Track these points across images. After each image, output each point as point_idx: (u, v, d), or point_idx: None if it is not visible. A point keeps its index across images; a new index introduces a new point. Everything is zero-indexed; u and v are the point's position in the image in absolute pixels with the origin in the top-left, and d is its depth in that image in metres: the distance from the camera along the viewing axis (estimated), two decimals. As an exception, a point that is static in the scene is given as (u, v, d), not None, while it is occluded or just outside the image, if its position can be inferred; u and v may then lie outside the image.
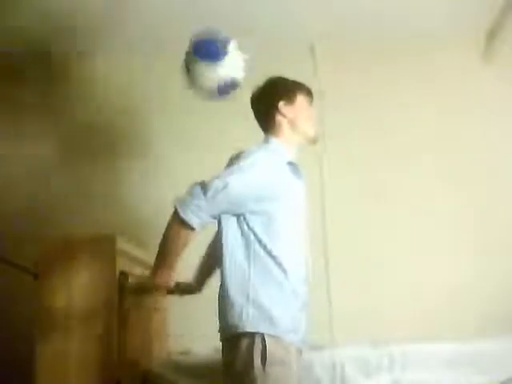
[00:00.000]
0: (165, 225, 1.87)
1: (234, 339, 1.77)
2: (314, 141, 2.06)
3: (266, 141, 1.99)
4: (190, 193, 1.81)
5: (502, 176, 3.32)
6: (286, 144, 1.97)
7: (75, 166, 3.45)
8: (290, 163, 1.94)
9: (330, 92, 3.42)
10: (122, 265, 2.41)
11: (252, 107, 2.09)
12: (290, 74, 3.36)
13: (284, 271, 1.82)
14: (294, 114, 1.99)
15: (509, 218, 3.26)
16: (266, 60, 3.35)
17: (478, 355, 2.32)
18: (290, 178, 1.92)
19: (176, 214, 1.81)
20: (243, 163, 1.85)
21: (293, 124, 1.98)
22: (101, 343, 2.27)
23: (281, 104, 1.99)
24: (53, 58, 3.46)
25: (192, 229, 1.80)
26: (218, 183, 1.79)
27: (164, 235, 1.85)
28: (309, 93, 2.08)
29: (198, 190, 1.80)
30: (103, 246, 2.38)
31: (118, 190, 3.40)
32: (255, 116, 2.08)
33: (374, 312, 3.06)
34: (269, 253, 1.82)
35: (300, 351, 1.87)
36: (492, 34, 3.37)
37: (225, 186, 1.79)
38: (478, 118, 3.38)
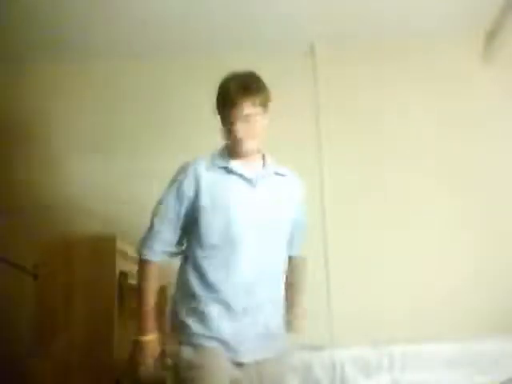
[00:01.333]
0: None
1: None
2: (241, 153, 1.93)
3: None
4: (148, 227, 1.89)
5: (502, 176, 3.32)
6: (229, 151, 1.95)
7: (75, 166, 3.46)
8: (227, 168, 1.91)
9: (329, 92, 3.43)
10: (122, 265, 2.41)
11: None
12: (291, 74, 3.39)
13: (207, 284, 1.83)
14: (224, 123, 1.93)
15: (509, 218, 3.26)
16: (267, 60, 3.36)
17: (478, 355, 2.31)
18: (221, 184, 1.90)
19: (138, 252, 1.89)
20: (171, 178, 1.92)
21: (227, 133, 1.93)
22: (101, 343, 2.27)
23: (217, 112, 1.96)
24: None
25: (151, 261, 1.87)
26: (155, 207, 1.89)
27: (139, 285, 1.90)
28: (233, 98, 1.90)
29: (150, 220, 1.89)
30: (103, 246, 2.38)
31: (118, 190, 3.40)
32: None
33: (374, 312, 3.06)
34: (193, 266, 1.85)
35: (231, 358, 1.82)
36: (492, 34, 3.37)
37: (159, 207, 1.88)
38: (477, 118, 3.37)
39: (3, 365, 2.73)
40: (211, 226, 1.85)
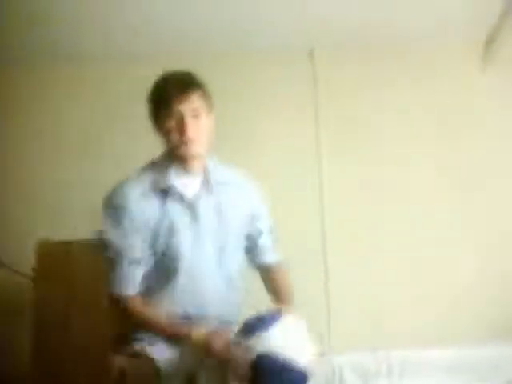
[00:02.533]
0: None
1: None
2: (189, 154, 1.76)
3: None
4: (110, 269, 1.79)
5: (503, 178, 3.31)
6: (167, 162, 1.80)
7: (73, 168, 3.46)
8: (170, 188, 1.76)
9: (328, 97, 3.43)
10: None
11: None
12: (290, 79, 3.39)
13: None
14: (163, 126, 1.76)
15: (510, 223, 3.25)
16: (266, 65, 3.37)
17: (477, 361, 2.30)
18: (163, 209, 1.75)
19: (115, 298, 1.80)
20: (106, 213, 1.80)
21: (167, 140, 1.77)
22: (98, 349, 2.26)
23: (153, 116, 1.80)
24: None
25: (132, 298, 1.77)
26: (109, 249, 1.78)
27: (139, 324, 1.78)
28: (165, 102, 1.73)
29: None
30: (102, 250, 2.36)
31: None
32: None
33: (373, 318, 3.05)
34: None
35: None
36: (491, 38, 3.37)
37: (111, 245, 1.78)
38: (477, 120, 3.37)
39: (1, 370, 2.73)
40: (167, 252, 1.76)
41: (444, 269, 3.17)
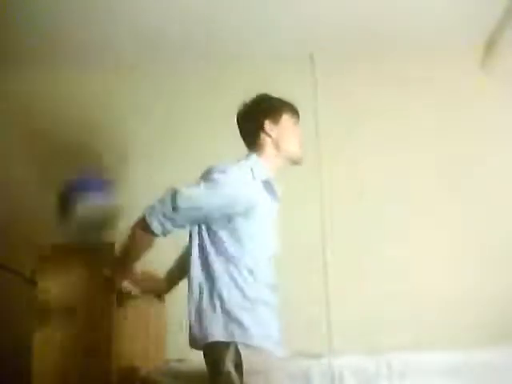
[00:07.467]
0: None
1: (208, 348, 1.79)
2: (297, 162, 2.06)
3: (247, 158, 2.00)
4: (162, 200, 1.85)
5: (504, 188, 3.32)
6: (267, 163, 1.98)
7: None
8: (266, 182, 1.95)
9: (329, 102, 3.44)
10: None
11: (238, 124, 2.10)
12: (290, 84, 3.40)
13: (247, 280, 1.85)
14: (278, 133, 2.00)
15: (510, 227, 3.25)
16: (266, 70, 3.39)
17: (477, 365, 2.30)
18: (260, 196, 1.92)
19: (143, 217, 1.85)
20: (217, 177, 1.85)
21: (276, 144, 1.99)
22: (98, 351, 2.26)
23: (266, 123, 2.00)
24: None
25: (154, 235, 1.86)
26: (187, 193, 1.83)
27: (128, 236, 1.91)
28: (294, 112, 2.07)
29: (169, 197, 1.83)
30: (102, 253, 2.37)
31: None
32: (240, 133, 2.09)
33: (373, 320, 3.05)
34: (235, 263, 1.84)
35: (275, 355, 1.85)
36: (491, 46, 3.39)
37: (192, 197, 1.83)
38: (477, 128, 3.39)
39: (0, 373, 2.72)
40: (252, 233, 1.87)
41: (444, 273, 3.17)
